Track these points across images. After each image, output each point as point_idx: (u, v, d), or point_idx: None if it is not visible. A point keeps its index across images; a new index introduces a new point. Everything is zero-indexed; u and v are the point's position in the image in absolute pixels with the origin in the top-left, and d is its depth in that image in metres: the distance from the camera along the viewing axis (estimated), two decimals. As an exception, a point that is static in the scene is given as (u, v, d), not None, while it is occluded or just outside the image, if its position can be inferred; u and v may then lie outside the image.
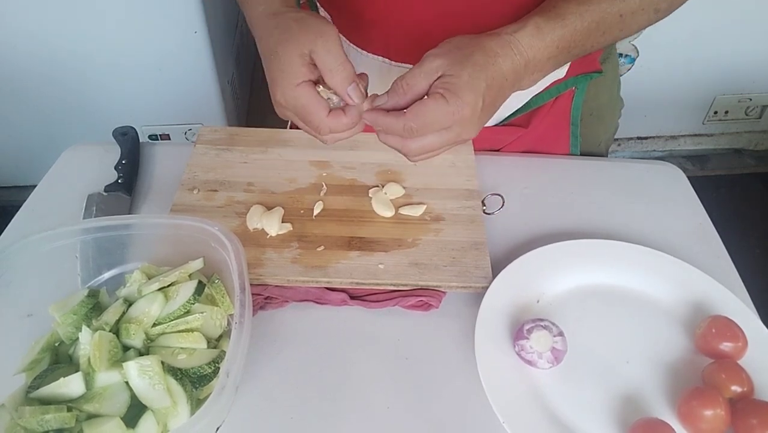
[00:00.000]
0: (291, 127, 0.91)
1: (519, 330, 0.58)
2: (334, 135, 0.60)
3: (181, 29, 1.56)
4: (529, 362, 0.57)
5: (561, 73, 0.78)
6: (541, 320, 0.58)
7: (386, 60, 0.76)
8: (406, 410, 0.57)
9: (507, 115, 0.82)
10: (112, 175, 0.76)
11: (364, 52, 0.77)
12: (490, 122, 0.82)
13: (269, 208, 0.71)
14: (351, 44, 0.78)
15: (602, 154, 0.93)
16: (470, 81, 0.54)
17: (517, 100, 0.80)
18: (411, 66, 0.67)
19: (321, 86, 0.59)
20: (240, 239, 0.59)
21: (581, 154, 0.88)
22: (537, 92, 0.79)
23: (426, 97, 0.55)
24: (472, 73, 0.54)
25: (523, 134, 0.82)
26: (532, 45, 0.57)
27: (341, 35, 0.78)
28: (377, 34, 0.75)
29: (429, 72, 0.55)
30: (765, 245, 1.85)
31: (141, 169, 0.80)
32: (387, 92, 0.57)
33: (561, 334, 0.57)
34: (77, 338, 0.55)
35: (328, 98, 0.59)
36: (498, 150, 0.86)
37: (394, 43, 0.75)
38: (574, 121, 0.83)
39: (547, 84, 0.79)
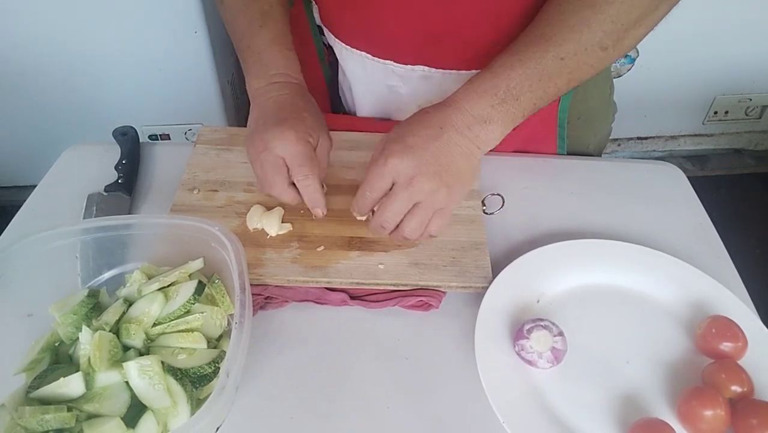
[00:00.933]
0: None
1: (519, 330, 0.58)
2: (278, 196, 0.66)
3: (181, 29, 1.56)
4: (529, 362, 0.57)
5: None
6: (541, 319, 0.58)
7: (368, 55, 0.78)
8: (406, 410, 0.57)
9: None
10: (112, 176, 0.76)
11: (347, 47, 0.79)
12: None
13: (269, 208, 0.71)
14: (334, 38, 0.80)
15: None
16: (395, 135, 0.60)
17: None
18: (392, 62, 0.75)
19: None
20: (240, 239, 0.59)
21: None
22: None
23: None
24: (400, 130, 0.60)
25: (509, 135, 0.83)
26: (466, 98, 0.60)
27: (328, 29, 0.80)
28: (358, 30, 0.76)
29: (376, 151, 0.61)
30: (765, 245, 1.85)
31: (141, 169, 0.80)
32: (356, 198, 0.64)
33: (561, 334, 0.57)
34: (77, 338, 0.55)
35: None
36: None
37: (374, 40, 0.76)
38: (560, 124, 0.84)
39: None
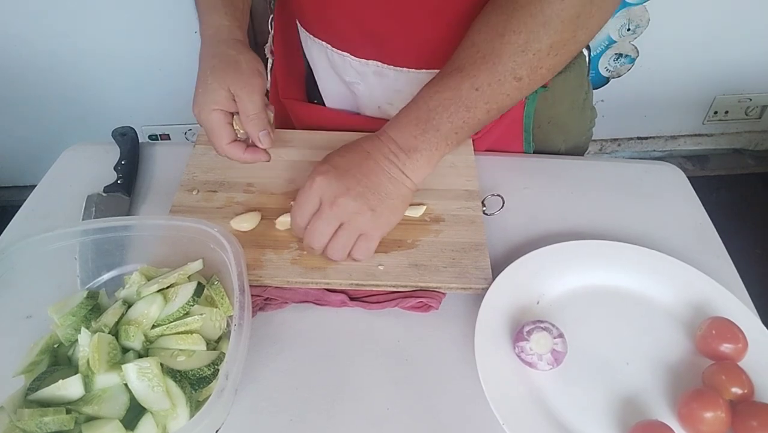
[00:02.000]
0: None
1: (519, 332, 0.58)
2: (235, 160, 0.70)
3: (181, 29, 1.56)
4: (529, 364, 0.57)
5: None
6: (541, 321, 0.58)
7: (328, 46, 0.79)
8: (406, 411, 0.57)
9: None
10: (112, 176, 0.76)
11: (310, 36, 0.80)
12: None
13: (269, 208, 0.71)
14: (300, 26, 0.81)
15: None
16: (322, 159, 0.64)
17: None
18: (349, 55, 0.78)
19: (236, 118, 0.68)
20: (239, 239, 0.59)
21: None
22: None
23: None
24: (328, 155, 0.64)
25: (477, 138, 0.83)
26: (391, 127, 0.63)
27: (304, 28, 0.82)
28: (318, 20, 0.78)
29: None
30: (765, 245, 1.85)
31: (141, 169, 0.80)
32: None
33: (561, 335, 0.57)
34: (76, 340, 0.55)
35: (237, 130, 0.69)
36: None
37: (334, 31, 0.77)
38: (526, 128, 0.84)
39: None
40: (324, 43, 0.79)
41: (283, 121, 0.94)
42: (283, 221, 0.69)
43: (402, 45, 0.74)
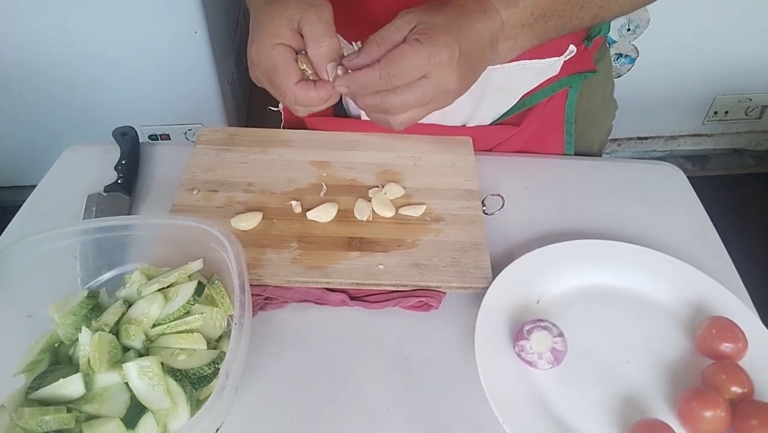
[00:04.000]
0: (284, 126, 0.91)
1: (519, 331, 0.58)
2: (300, 105, 0.59)
3: (181, 29, 1.56)
4: (529, 363, 0.57)
5: (554, 71, 0.77)
6: (541, 320, 0.58)
7: (348, 44, 0.75)
8: (406, 410, 0.57)
9: (501, 114, 0.82)
10: (112, 176, 0.76)
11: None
12: (484, 120, 0.82)
13: (269, 208, 0.71)
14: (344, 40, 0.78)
15: (595, 156, 0.93)
16: (444, 24, 0.54)
17: (509, 100, 0.80)
18: None
19: (301, 57, 0.58)
20: (239, 239, 0.59)
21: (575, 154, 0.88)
22: (529, 91, 0.79)
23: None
24: (446, 19, 0.54)
25: (516, 133, 0.82)
26: (506, 8, 0.56)
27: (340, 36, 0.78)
28: (339, 13, 0.74)
29: (402, 24, 0.55)
30: (765, 245, 1.85)
31: (141, 169, 0.80)
32: (359, 50, 0.56)
33: (561, 334, 0.57)
34: (77, 339, 0.55)
35: (304, 70, 0.58)
36: (490, 150, 0.86)
37: (354, 26, 0.73)
38: (568, 120, 0.83)
39: (540, 83, 0.79)
40: (343, 39, 0.75)
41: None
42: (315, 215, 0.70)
43: None
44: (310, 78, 0.59)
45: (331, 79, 0.57)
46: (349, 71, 0.57)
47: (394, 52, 0.53)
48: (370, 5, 0.71)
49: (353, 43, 0.71)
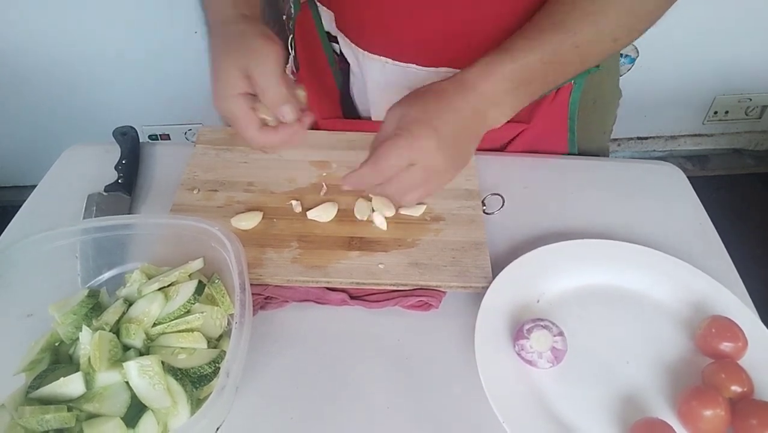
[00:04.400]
0: None
1: (519, 330, 0.58)
2: (266, 149, 0.63)
3: (181, 29, 1.56)
4: (530, 362, 0.57)
5: None
6: (541, 319, 0.58)
7: (388, 60, 0.76)
8: (406, 409, 0.57)
9: None
10: (112, 175, 0.76)
11: (366, 52, 0.77)
12: None
13: (269, 207, 0.71)
14: (353, 44, 0.78)
15: (605, 145, 0.92)
16: (421, 113, 0.57)
17: None
18: (414, 65, 0.70)
19: (258, 105, 0.60)
20: (240, 238, 0.59)
21: (583, 149, 0.87)
22: None
23: None
24: (424, 106, 0.57)
25: (525, 130, 0.82)
26: (484, 80, 0.58)
27: (345, 36, 0.78)
28: (379, 34, 0.75)
29: (390, 120, 0.58)
30: (765, 245, 1.85)
31: (141, 169, 0.80)
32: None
33: (561, 333, 0.57)
34: (77, 338, 0.55)
35: (264, 117, 0.61)
36: (500, 149, 0.86)
37: (396, 43, 0.75)
38: (571, 116, 0.83)
39: None
40: (384, 57, 0.76)
41: None
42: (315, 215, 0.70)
43: (480, 44, 0.69)
44: (270, 124, 0.62)
45: (288, 120, 0.60)
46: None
47: (380, 150, 0.56)
48: (377, 9, 0.72)
49: (359, 47, 0.72)
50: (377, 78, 0.80)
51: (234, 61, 0.59)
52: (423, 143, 0.56)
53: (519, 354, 0.58)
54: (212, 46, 0.63)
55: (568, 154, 0.87)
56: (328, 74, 0.87)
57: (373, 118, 0.87)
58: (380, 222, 0.70)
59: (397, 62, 0.76)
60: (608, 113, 0.89)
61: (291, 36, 0.90)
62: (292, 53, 0.91)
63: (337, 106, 0.90)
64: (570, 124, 0.84)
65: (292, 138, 0.61)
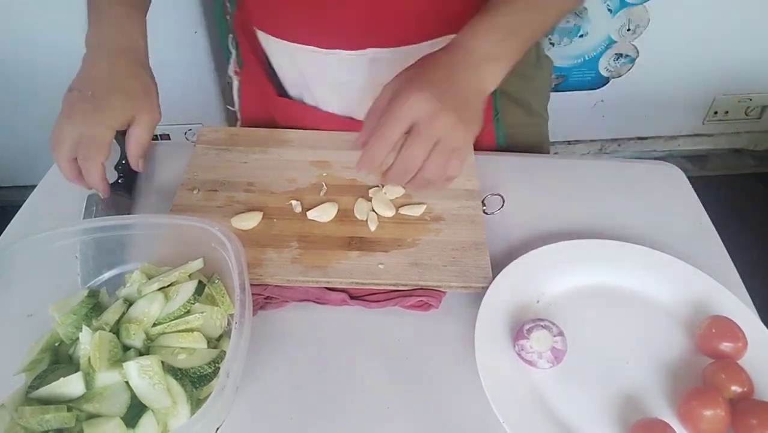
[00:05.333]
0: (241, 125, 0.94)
1: (519, 330, 0.58)
2: (91, 180, 0.66)
3: (181, 29, 1.56)
4: (529, 362, 0.57)
5: None
6: (541, 319, 0.58)
7: (315, 48, 0.77)
8: (406, 409, 0.57)
9: None
10: (113, 175, 0.76)
11: (295, 44, 0.78)
12: None
13: (269, 207, 0.71)
14: (272, 37, 0.79)
15: (537, 116, 0.93)
16: (410, 75, 0.59)
17: None
18: (339, 50, 0.76)
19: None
20: (240, 238, 0.59)
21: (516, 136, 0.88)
22: None
23: None
24: (413, 71, 0.59)
25: None
26: (471, 37, 0.59)
27: (266, 33, 0.81)
28: (301, 24, 0.76)
29: (384, 92, 0.59)
30: (765, 245, 1.85)
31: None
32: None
33: (561, 333, 0.57)
34: (77, 338, 0.55)
35: None
36: None
37: (322, 32, 0.76)
38: (495, 106, 0.84)
39: None
40: (310, 46, 0.78)
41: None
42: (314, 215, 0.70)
43: (401, 21, 0.73)
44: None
45: (139, 170, 0.69)
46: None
47: (382, 118, 0.57)
48: (337, 16, 0.74)
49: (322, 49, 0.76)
50: (311, 70, 0.81)
51: (132, 103, 0.66)
52: (417, 95, 0.55)
53: (519, 354, 0.58)
54: (101, 59, 0.67)
55: (497, 149, 0.88)
56: (271, 69, 0.88)
57: (320, 108, 0.87)
58: (372, 224, 0.70)
59: (323, 50, 0.77)
60: (532, 81, 0.90)
61: (230, 36, 0.91)
62: (234, 52, 0.92)
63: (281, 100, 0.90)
64: (495, 114, 0.85)
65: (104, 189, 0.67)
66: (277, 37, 0.80)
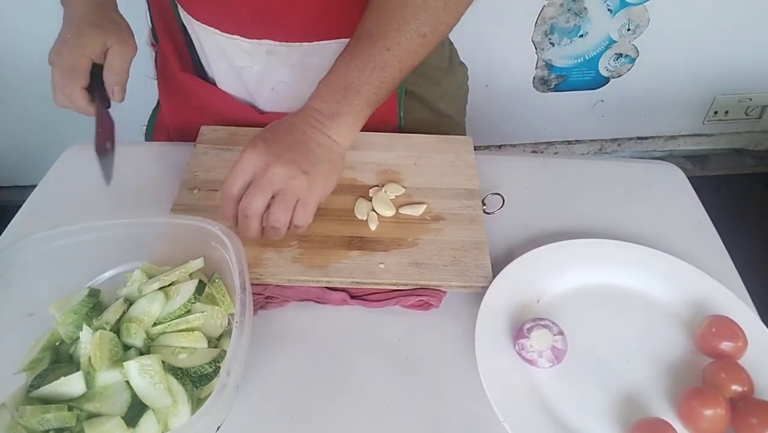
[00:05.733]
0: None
1: (519, 329, 0.58)
2: (72, 104, 0.73)
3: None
4: (530, 362, 0.57)
5: None
6: (541, 319, 0.58)
7: (217, 31, 0.79)
8: (407, 409, 0.57)
9: None
10: (113, 176, 0.76)
11: (199, 23, 0.80)
12: None
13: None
14: (203, 24, 0.80)
15: (445, 116, 0.95)
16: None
17: None
18: (239, 37, 0.78)
19: None
20: (240, 238, 0.59)
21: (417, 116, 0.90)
22: None
23: None
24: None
25: None
26: (314, 98, 0.65)
27: (191, 16, 0.81)
28: (208, 5, 0.78)
29: None
30: (765, 245, 1.85)
31: (141, 169, 0.80)
32: None
33: (561, 333, 0.58)
34: (78, 338, 0.55)
35: None
36: None
37: (223, 16, 0.78)
38: (399, 93, 0.86)
39: None
40: (213, 28, 0.79)
41: (182, 106, 0.92)
42: None
43: (293, 20, 0.76)
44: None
45: (116, 99, 0.75)
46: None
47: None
48: (237, 5, 0.76)
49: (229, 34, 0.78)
50: (214, 51, 0.83)
51: (102, 32, 0.71)
52: (250, 151, 0.61)
53: (519, 353, 0.58)
54: (74, 5, 0.75)
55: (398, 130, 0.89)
56: (183, 43, 0.88)
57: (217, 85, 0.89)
58: (372, 224, 0.70)
59: (225, 34, 0.79)
60: (441, 84, 0.93)
61: (145, 8, 0.92)
62: (149, 25, 0.93)
63: (194, 73, 0.91)
64: (398, 108, 0.87)
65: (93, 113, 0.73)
66: (187, 13, 0.82)
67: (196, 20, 0.80)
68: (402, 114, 0.89)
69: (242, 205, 0.61)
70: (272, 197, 0.61)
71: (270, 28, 0.77)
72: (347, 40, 0.67)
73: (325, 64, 0.73)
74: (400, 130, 0.89)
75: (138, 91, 1.76)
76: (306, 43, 0.78)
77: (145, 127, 1.01)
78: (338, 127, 0.64)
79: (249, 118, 0.85)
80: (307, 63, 0.79)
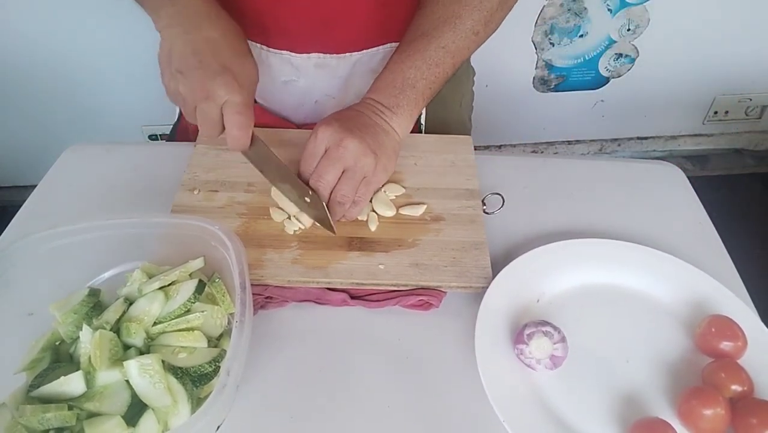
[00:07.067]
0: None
1: (519, 332, 0.58)
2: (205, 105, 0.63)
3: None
4: (528, 366, 0.57)
5: None
6: (543, 324, 0.57)
7: (263, 47, 0.80)
8: (407, 409, 0.57)
9: None
10: (113, 176, 0.76)
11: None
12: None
13: (269, 208, 0.71)
14: (249, 40, 0.79)
15: (464, 117, 0.99)
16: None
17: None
18: (317, 54, 0.80)
19: None
20: (240, 239, 0.59)
21: (440, 119, 0.92)
22: None
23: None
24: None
25: None
26: (373, 92, 0.70)
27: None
28: (254, 23, 0.78)
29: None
30: (765, 245, 1.85)
31: (141, 169, 0.80)
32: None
33: (562, 340, 0.57)
34: (78, 337, 0.55)
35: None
36: None
37: (268, 31, 0.79)
38: None
39: None
40: (258, 44, 0.80)
41: None
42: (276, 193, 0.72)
43: (346, 29, 0.77)
44: None
45: (233, 146, 0.66)
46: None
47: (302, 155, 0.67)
48: (281, 15, 0.77)
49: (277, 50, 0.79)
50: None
51: (226, 62, 0.61)
52: (324, 127, 0.64)
53: (518, 357, 0.58)
54: (180, 26, 0.64)
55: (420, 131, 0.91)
56: None
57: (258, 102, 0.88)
58: (372, 224, 0.70)
59: (272, 49, 0.80)
60: (462, 88, 0.98)
61: None
62: None
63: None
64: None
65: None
66: None
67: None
68: (424, 119, 0.90)
69: (314, 180, 0.65)
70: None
71: (321, 40, 0.78)
72: (394, 44, 0.69)
73: (370, 72, 0.74)
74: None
75: (138, 91, 1.78)
76: (356, 53, 0.80)
77: (145, 128, 1.01)
78: (397, 117, 0.68)
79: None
80: (354, 72, 0.81)
